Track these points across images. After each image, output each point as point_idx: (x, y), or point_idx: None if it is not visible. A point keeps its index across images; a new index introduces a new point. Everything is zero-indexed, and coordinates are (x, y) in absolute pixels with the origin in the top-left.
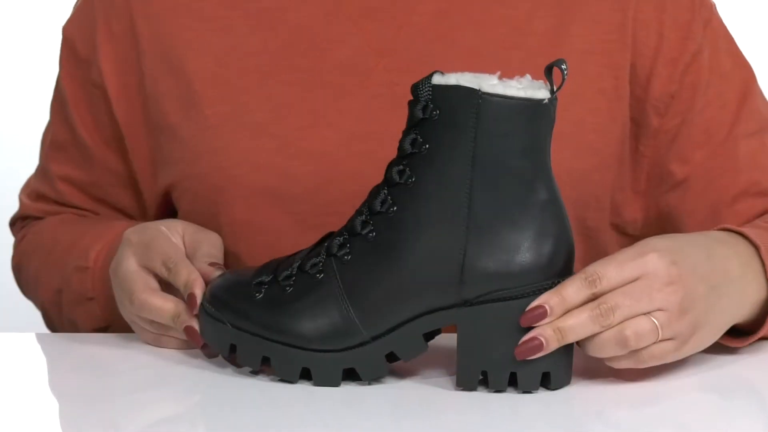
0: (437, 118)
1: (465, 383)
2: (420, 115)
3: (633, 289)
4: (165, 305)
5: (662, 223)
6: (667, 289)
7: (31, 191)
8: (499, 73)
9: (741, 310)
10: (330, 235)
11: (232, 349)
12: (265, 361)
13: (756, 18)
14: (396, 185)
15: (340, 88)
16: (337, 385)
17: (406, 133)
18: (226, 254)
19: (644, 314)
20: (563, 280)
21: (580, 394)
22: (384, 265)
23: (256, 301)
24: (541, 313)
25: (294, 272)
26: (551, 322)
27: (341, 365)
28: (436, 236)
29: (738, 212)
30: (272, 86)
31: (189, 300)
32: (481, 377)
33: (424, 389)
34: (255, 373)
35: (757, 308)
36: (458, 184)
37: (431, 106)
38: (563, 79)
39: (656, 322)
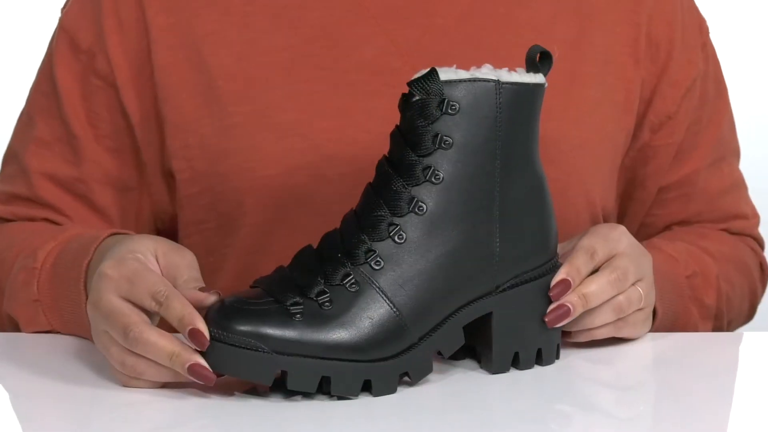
0: (457, 112)
1: (500, 367)
2: (438, 112)
3: (631, 254)
4: (160, 342)
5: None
6: (643, 259)
7: (1, 193)
8: (473, 66)
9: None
10: (326, 236)
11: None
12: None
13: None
14: (422, 184)
15: (367, 88)
16: (393, 392)
17: (421, 130)
18: (254, 254)
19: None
20: (556, 258)
21: (574, 364)
22: (425, 265)
23: (299, 323)
24: (567, 286)
25: (324, 288)
26: (573, 291)
27: (398, 371)
28: (471, 228)
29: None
30: (297, 84)
31: (194, 335)
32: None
33: (460, 379)
34: (307, 395)
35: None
36: (488, 174)
37: (447, 100)
38: (551, 63)
39: (641, 291)
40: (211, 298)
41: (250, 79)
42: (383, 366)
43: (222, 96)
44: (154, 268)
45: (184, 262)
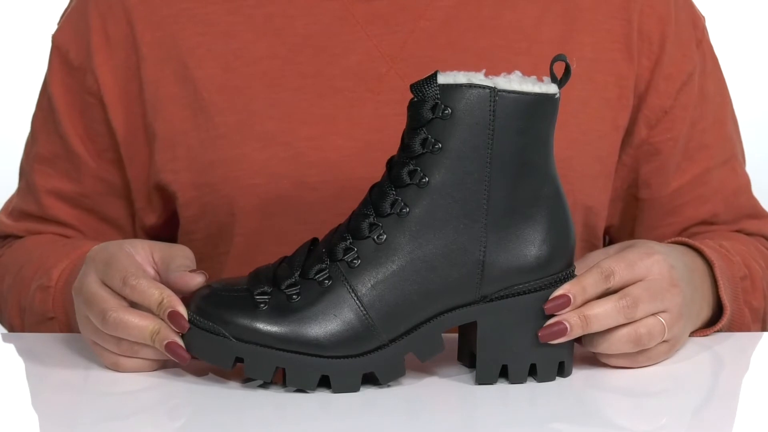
0: (449, 117)
1: (485, 378)
2: (430, 115)
3: (651, 285)
4: (142, 322)
5: (625, 227)
6: (673, 290)
7: (13, 209)
8: (484, 70)
9: (698, 322)
10: (314, 242)
11: (235, 361)
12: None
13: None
14: (407, 186)
15: (351, 95)
16: (356, 390)
17: (412, 133)
18: (241, 263)
19: (653, 315)
20: (570, 270)
21: (586, 377)
22: (400, 267)
23: (262, 312)
24: (565, 302)
25: (296, 280)
26: (574, 310)
27: (360, 370)
28: (455, 235)
29: (688, 235)
30: (281, 93)
31: (173, 318)
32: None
33: (439, 386)
34: (265, 385)
35: (702, 325)
36: (476, 181)
37: (441, 105)
38: (569, 74)
39: (664, 323)
40: (197, 279)
41: (235, 90)
42: (344, 363)
43: (208, 107)
44: (141, 259)
45: (179, 252)
